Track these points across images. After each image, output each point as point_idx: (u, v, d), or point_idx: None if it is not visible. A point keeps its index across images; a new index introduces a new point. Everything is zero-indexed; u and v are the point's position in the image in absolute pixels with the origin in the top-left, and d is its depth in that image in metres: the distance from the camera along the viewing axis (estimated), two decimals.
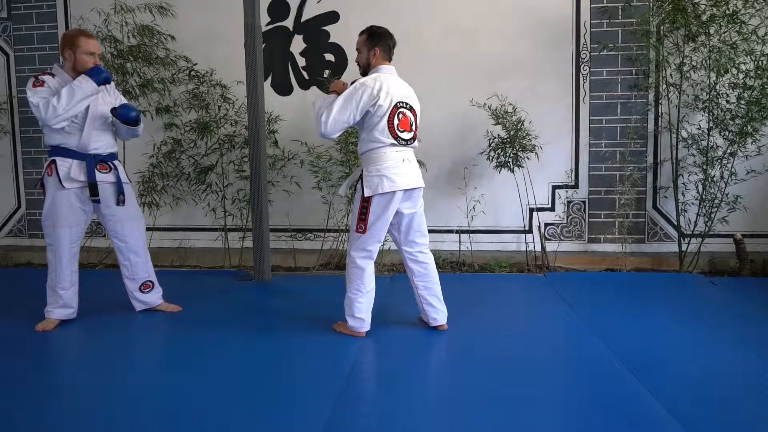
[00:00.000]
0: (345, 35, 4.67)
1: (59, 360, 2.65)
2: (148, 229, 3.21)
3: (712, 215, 4.24)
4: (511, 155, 4.29)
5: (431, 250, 2.97)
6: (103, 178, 2.99)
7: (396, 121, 2.67)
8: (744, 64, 4.02)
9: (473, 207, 4.62)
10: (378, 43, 2.78)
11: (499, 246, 4.67)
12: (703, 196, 4.25)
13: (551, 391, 2.21)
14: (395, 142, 2.69)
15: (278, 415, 2.00)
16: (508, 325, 2.99)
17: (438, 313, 2.90)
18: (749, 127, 4.00)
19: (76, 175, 2.90)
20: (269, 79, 4.77)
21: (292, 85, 4.81)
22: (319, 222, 4.76)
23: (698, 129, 4.27)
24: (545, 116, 4.50)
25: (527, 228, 4.66)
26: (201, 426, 1.93)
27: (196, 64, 4.59)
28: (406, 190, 2.72)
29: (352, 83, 2.72)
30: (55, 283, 2.99)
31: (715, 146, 4.19)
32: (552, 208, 4.66)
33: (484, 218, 4.65)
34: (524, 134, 4.26)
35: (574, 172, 4.61)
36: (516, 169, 4.33)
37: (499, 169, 4.35)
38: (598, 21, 4.46)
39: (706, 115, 4.20)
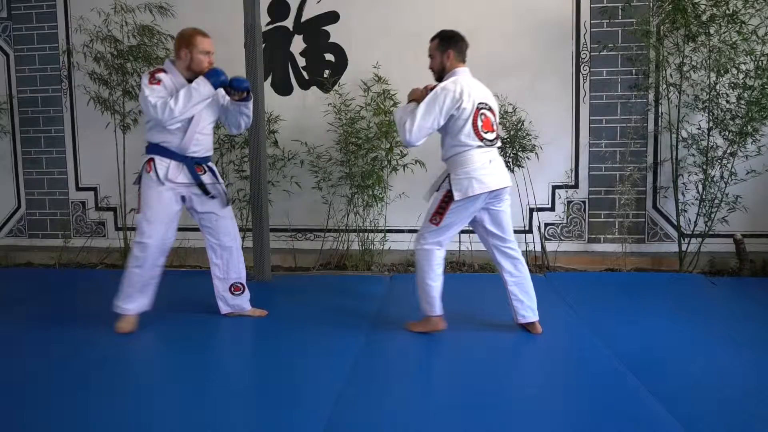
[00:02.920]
0: (345, 35, 4.67)
1: (58, 360, 2.65)
2: None
3: (712, 215, 4.24)
4: (511, 155, 4.29)
5: None
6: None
7: (479, 123, 2.67)
8: (744, 64, 4.02)
9: None
10: (450, 45, 2.77)
11: None
12: (703, 196, 4.25)
13: (551, 391, 2.22)
14: (481, 144, 2.69)
15: (278, 415, 2.00)
16: (508, 326, 2.98)
17: (527, 309, 2.84)
18: (749, 127, 3.99)
19: (174, 176, 2.86)
20: (269, 79, 4.77)
21: (292, 85, 4.81)
22: (319, 222, 4.76)
23: (698, 129, 4.26)
24: (545, 116, 4.49)
25: (527, 228, 4.66)
26: (201, 426, 1.93)
27: None
28: (492, 190, 2.71)
29: (432, 89, 2.71)
30: (136, 279, 2.91)
31: (715, 146, 4.19)
32: (552, 208, 4.66)
33: None
34: (524, 134, 4.26)
35: (574, 172, 4.61)
36: (516, 169, 4.33)
37: None
38: (598, 21, 4.46)
39: (706, 115, 4.19)
